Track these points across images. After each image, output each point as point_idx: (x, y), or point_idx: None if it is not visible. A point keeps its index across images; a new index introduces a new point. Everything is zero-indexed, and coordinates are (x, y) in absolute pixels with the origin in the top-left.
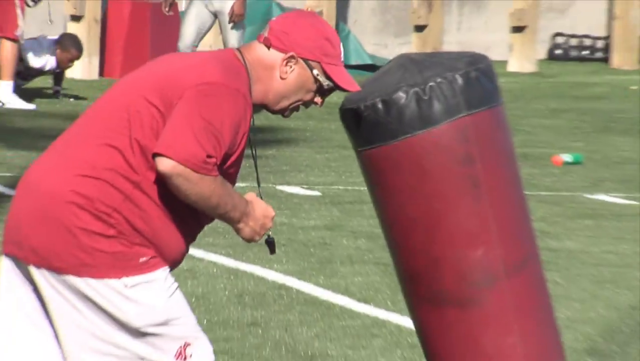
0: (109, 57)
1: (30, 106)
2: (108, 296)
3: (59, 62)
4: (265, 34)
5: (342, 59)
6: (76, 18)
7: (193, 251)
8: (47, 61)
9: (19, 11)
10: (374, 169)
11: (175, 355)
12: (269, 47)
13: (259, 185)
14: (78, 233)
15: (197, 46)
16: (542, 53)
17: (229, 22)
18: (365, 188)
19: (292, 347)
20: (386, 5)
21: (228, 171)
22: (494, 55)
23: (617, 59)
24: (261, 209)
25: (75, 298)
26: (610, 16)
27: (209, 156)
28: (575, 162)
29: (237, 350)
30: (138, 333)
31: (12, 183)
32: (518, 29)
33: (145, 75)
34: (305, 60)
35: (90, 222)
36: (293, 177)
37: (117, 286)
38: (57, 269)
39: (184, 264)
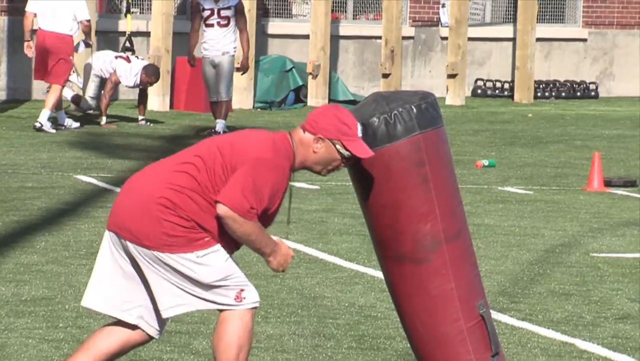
0: (176, 95)
1: (76, 125)
2: (184, 264)
3: (142, 82)
4: (304, 122)
5: (360, 135)
6: None
7: None
8: (135, 80)
9: (71, 69)
10: (357, 171)
11: (234, 297)
12: (304, 132)
13: (288, 223)
14: (164, 223)
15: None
16: (468, 92)
17: (239, 71)
18: (350, 183)
19: (300, 291)
20: (362, 60)
21: (267, 218)
22: (436, 93)
23: (518, 96)
24: (285, 250)
25: (159, 265)
26: (514, 67)
27: (251, 208)
28: (490, 166)
29: (264, 293)
30: (207, 286)
31: (112, 181)
32: (452, 76)
33: (228, 141)
34: (330, 139)
35: (173, 218)
36: (300, 176)
37: (191, 257)
38: (146, 247)
39: None
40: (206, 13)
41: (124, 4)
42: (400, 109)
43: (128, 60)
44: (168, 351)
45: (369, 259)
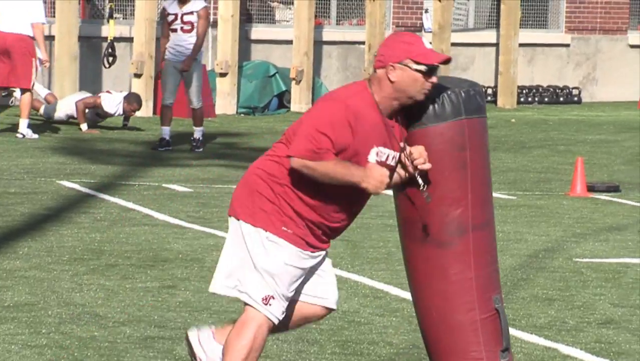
0: (159, 102)
1: (35, 136)
2: (253, 238)
3: (125, 111)
4: (373, 62)
5: (427, 46)
6: (137, 75)
7: (216, 232)
8: (117, 110)
9: (34, 69)
10: None
11: (263, 298)
12: (375, 70)
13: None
14: (255, 195)
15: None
16: None
17: (183, 71)
18: None
19: None
20: (346, 65)
21: (357, 159)
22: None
23: (502, 101)
24: (377, 171)
25: (238, 236)
26: (497, 72)
27: (318, 148)
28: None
29: None
30: (252, 270)
31: (96, 187)
32: None
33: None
34: (399, 62)
35: (264, 189)
36: None
37: (262, 235)
38: (236, 216)
39: (209, 241)
40: (170, 18)
41: (107, 9)
42: (449, 92)
43: (109, 92)
44: (151, 357)
45: (352, 264)
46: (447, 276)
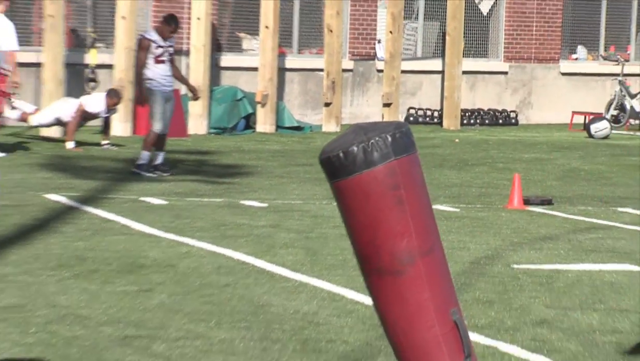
0: (138, 122)
1: (2, 154)
2: None
3: (108, 106)
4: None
5: None
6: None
7: (188, 240)
8: (101, 108)
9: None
10: (339, 194)
11: None
12: None
13: None
14: None
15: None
16: (401, 119)
17: (194, 99)
18: (294, 201)
19: (250, 299)
20: (306, 90)
21: None
22: (372, 120)
23: (446, 123)
24: None
25: None
26: (442, 97)
27: None
28: None
29: (216, 301)
30: None
31: (80, 200)
32: (387, 105)
33: None
34: None
35: None
36: (251, 195)
37: None
38: None
39: (182, 249)
40: (159, 51)
41: (90, 39)
42: (377, 138)
43: (87, 93)
44: (129, 353)
45: (312, 270)
46: (405, 300)
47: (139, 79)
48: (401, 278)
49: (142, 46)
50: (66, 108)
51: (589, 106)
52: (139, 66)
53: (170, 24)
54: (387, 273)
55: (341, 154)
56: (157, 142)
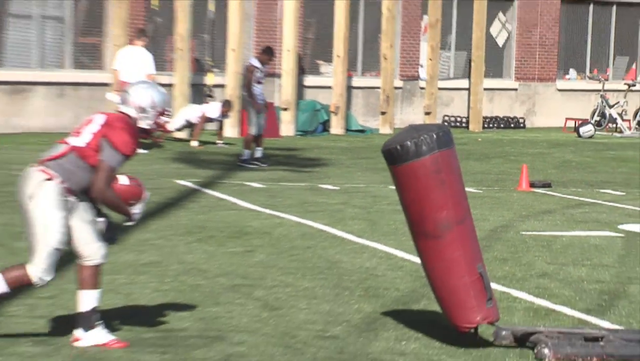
0: (244, 127)
1: (144, 151)
2: None
3: (223, 112)
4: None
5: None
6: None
7: (280, 214)
8: (218, 114)
9: None
10: (396, 176)
11: None
12: None
13: None
14: None
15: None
16: None
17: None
18: (359, 184)
19: (326, 258)
20: (368, 102)
21: None
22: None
23: (472, 127)
24: None
25: None
26: (469, 107)
27: None
28: None
29: (301, 258)
30: None
31: (201, 184)
32: (427, 113)
33: None
34: None
35: None
36: (326, 180)
37: None
38: None
39: (276, 220)
40: (260, 74)
41: (208, 65)
42: (425, 136)
43: (207, 102)
44: (237, 297)
45: (372, 236)
46: (443, 257)
47: (250, 93)
48: (441, 240)
49: (250, 70)
50: (191, 112)
51: (578, 113)
52: (248, 85)
53: (268, 55)
54: (431, 237)
55: (398, 147)
56: (257, 141)
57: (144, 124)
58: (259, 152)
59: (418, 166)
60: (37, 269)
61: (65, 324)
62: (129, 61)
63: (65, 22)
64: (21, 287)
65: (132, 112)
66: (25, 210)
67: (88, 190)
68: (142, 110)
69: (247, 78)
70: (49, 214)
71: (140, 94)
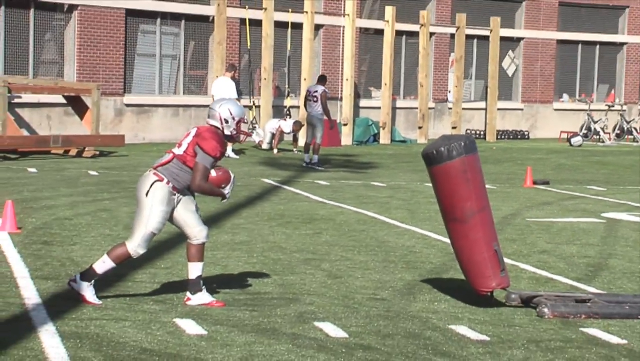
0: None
1: (236, 157)
2: None
3: (293, 130)
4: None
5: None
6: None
7: (341, 205)
8: (290, 130)
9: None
10: (433, 175)
11: None
12: None
13: None
14: None
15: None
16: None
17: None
18: (402, 182)
19: (376, 238)
20: (408, 119)
21: None
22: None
23: (488, 138)
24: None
25: None
26: (486, 123)
27: None
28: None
29: (357, 238)
30: None
31: (281, 182)
32: (454, 127)
33: None
34: None
35: None
36: (376, 179)
37: None
38: None
39: (338, 210)
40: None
41: (286, 91)
42: (455, 143)
43: (285, 120)
44: (309, 269)
45: (412, 222)
46: (468, 237)
47: (327, 113)
48: (466, 224)
49: (324, 96)
50: (272, 124)
51: (570, 128)
52: (325, 105)
53: (324, 81)
54: (459, 221)
55: (434, 152)
56: (315, 149)
57: (227, 131)
58: (315, 158)
59: (450, 167)
60: (135, 244)
61: (178, 288)
62: (220, 88)
63: (179, 59)
64: (123, 261)
65: (217, 124)
66: (138, 202)
67: (189, 186)
68: (225, 121)
69: (324, 100)
70: (155, 206)
71: (221, 109)
